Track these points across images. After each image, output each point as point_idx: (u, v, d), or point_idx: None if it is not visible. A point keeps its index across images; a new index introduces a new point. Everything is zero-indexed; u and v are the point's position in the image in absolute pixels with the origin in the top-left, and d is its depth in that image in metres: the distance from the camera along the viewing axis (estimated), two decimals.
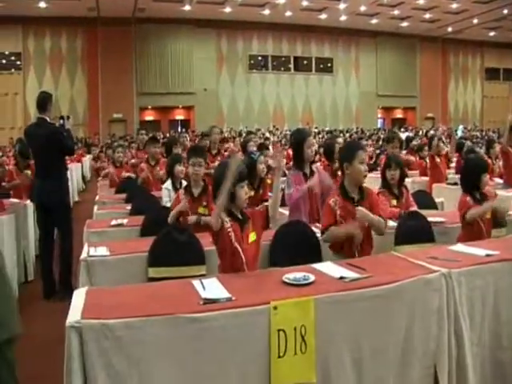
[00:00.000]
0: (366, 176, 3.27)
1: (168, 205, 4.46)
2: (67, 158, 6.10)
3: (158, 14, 22.55)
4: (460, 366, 2.45)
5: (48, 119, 5.00)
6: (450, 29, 27.13)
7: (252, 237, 2.75)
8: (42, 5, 20.01)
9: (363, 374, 2.26)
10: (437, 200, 5.24)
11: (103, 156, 11.98)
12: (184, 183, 4.54)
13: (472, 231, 3.56)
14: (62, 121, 5.07)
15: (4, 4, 19.01)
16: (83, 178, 15.37)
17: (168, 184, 4.70)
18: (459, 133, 19.45)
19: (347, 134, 19.61)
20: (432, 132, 16.39)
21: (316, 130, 21.18)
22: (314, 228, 3.59)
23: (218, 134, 7.20)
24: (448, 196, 5.62)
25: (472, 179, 3.70)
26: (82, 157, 15.67)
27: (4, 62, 23.09)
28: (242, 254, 2.66)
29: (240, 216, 2.74)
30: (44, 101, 4.98)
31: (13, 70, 22.97)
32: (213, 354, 2.02)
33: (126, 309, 2.03)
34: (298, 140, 4.02)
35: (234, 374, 2.05)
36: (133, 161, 7.64)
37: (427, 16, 24.72)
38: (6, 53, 22.92)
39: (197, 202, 3.93)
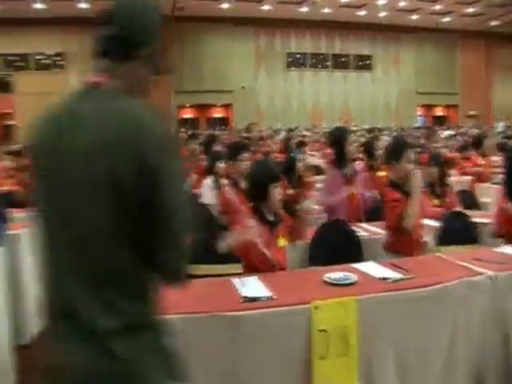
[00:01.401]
0: None
1: (210, 202, 4.44)
2: None
3: (196, 12, 22.67)
4: (508, 374, 2.37)
5: None
6: (493, 23, 26.36)
7: (281, 242, 2.71)
8: (83, 5, 20.46)
9: (407, 378, 2.21)
10: (480, 200, 5.10)
11: None
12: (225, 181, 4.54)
13: None
14: None
15: (48, 7, 19.53)
16: None
17: (209, 181, 4.68)
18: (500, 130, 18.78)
19: (388, 132, 19.21)
20: (477, 131, 15.90)
21: (355, 128, 20.86)
22: (354, 228, 3.55)
23: (256, 131, 7.22)
24: (493, 196, 5.46)
25: None
26: None
27: (48, 62, 23.66)
28: (270, 258, 2.61)
29: (272, 217, 2.69)
30: None
31: (56, 70, 23.52)
32: (252, 353, 2.01)
33: (164, 306, 2.04)
34: (339, 138, 3.96)
35: (274, 374, 2.04)
36: None
37: (470, 10, 24.08)
38: (50, 53, 23.47)
39: None
